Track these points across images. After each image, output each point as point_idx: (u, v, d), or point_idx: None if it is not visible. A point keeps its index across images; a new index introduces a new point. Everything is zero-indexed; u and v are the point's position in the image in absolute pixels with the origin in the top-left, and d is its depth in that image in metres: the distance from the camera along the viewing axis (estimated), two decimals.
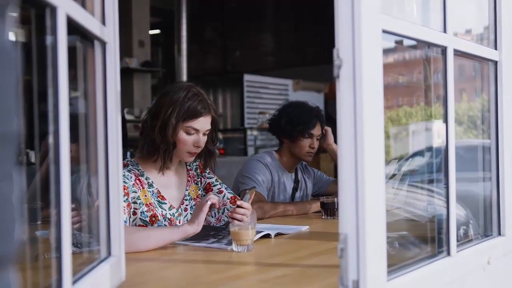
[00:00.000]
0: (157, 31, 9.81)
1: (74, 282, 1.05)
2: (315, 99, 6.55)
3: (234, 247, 1.81)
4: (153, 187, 2.16)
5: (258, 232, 1.98)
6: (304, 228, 2.28)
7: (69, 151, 0.99)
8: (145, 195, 2.11)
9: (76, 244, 1.31)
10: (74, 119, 1.07)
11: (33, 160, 2.76)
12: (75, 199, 1.15)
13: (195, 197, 2.29)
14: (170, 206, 2.17)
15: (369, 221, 1.12)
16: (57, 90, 0.96)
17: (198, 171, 2.34)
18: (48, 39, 0.96)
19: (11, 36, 0.51)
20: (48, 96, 0.97)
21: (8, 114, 0.48)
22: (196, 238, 1.99)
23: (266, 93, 7.93)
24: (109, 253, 1.32)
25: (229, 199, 2.28)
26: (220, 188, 2.32)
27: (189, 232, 1.89)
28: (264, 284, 1.43)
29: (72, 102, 1.06)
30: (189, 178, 2.30)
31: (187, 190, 2.27)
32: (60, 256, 0.97)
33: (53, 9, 0.95)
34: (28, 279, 1.14)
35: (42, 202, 1.72)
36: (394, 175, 1.93)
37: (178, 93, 2.11)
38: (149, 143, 2.13)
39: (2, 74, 0.48)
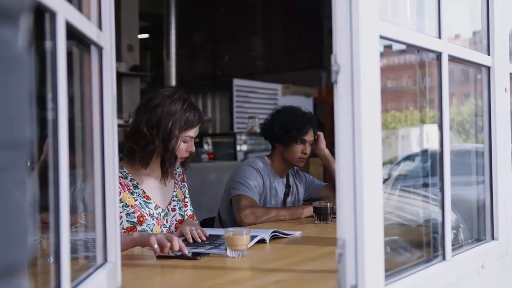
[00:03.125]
0: (146, 35, 9.80)
1: None
2: (304, 104, 6.55)
3: (228, 252, 1.81)
4: (138, 188, 2.20)
5: (253, 238, 1.97)
6: (297, 233, 2.28)
7: (68, 156, 0.98)
8: (128, 198, 2.15)
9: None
10: (70, 123, 1.06)
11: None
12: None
13: (182, 199, 2.37)
14: (156, 206, 2.22)
15: (367, 226, 1.12)
16: (56, 95, 0.96)
17: (180, 178, 2.42)
18: (47, 44, 0.96)
19: (24, 43, 0.51)
20: (47, 101, 0.96)
21: (22, 121, 0.48)
22: (193, 245, 1.98)
23: (256, 98, 7.93)
24: (105, 260, 1.31)
25: (187, 216, 2.36)
26: (187, 202, 2.41)
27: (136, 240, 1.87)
28: None
29: (68, 107, 1.06)
30: (175, 181, 2.37)
31: (174, 191, 2.34)
32: (59, 262, 0.96)
33: (53, 15, 0.94)
34: None
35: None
36: (385, 179, 1.94)
37: (174, 105, 2.18)
38: (148, 154, 2.17)
39: (16, 82, 0.47)
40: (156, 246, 1.75)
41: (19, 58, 0.49)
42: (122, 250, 1.90)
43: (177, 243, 1.76)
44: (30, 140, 0.51)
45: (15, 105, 0.47)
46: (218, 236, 2.09)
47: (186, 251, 1.79)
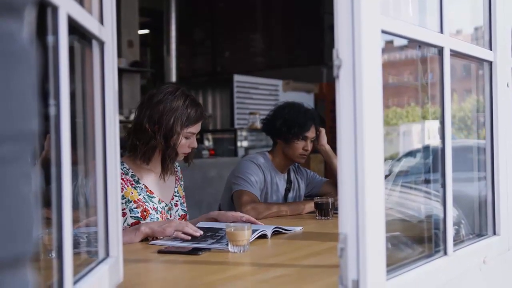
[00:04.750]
0: (146, 31, 9.79)
1: (74, 283, 1.04)
2: (305, 100, 6.55)
3: (230, 247, 1.81)
4: (140, 183, 2.21)
5: (254, 231, 1.98)
6: (298, 229, 2.28)
7: (70, 151, 0.98)
8: (132, 193, 2.16)
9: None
10: (71, 118, 1.06)
11: None
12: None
13: (182, 196, 2.39)
14: (159, 200, 2.24)
15: (369, 221, 1.12)
16: (58, 90, 0.95)
17: (180, 176, 2.44)
18: (49, 39, 0.95)
19: (29, 36, 0.51)
20: (49, 97, 0.96)
21: (28, 114, 0.48)
22: (194, 240, 1.98)
23: (256, 94, 7.92)
24: (107, 254, 1.31)
25: (179, 216, 2.36)
26: (184, 201, 2.42)
27: (144, 232, 2.00)
28: (263, 285, 1.43)
29: (70, 102, 1.05)
30: (176, 178, 2.40)
31: (176, 187, 2.36)
32: (61, 257, 0.96)
33: (55, 9, 0.94)
34: None
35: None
36: (386, 175, 1.94)
37: (176, 101, 2.19)
38: (150, 149, 2.19)
39: (22, 74, 0.47)
40: (174, 234, 1.96)
41: (25, 51, 0.49)
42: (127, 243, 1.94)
43: (193, 227, 1.98)
44: (36, 133, 0.51)
45: (21, 97, 0.47)
46: (220, 228, 2.10)
47: (199, 233, 1.97)
